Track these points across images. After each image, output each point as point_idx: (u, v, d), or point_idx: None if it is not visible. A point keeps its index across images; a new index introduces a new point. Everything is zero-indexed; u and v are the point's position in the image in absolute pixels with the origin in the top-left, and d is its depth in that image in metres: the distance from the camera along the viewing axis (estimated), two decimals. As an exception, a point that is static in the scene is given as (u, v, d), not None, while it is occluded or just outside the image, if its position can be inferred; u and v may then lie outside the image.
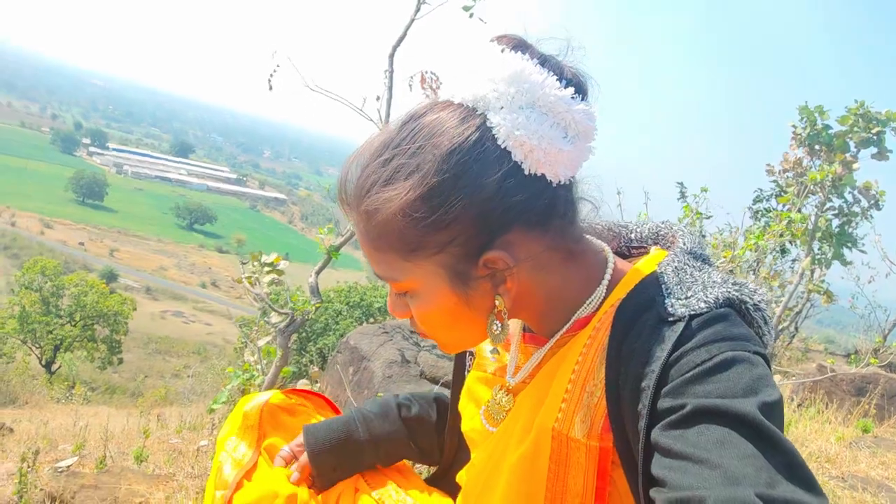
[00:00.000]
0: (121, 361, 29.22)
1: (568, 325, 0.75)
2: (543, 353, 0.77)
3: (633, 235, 0.85)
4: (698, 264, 0.72)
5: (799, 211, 6.20)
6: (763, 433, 0.53)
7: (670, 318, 0.64)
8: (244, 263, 2.61)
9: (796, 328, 8.23)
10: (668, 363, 0.61)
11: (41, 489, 2.24)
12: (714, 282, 0.68)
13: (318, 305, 2.41)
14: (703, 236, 8.05)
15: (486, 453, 0.80)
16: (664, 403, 0.60)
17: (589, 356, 0.70)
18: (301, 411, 1.04)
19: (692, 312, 0.64)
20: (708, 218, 7.90)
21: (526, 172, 0.65)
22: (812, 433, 3.07)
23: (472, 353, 0.97)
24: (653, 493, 0.57)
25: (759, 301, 0.67)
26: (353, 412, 1.01)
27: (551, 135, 0.65)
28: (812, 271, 6.38)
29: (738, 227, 7.13)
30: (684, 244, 0.76)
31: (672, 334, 0.63)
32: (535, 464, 0.70)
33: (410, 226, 0.65)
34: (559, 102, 0.66)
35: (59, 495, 2.11)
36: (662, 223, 0.84)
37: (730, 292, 0.66)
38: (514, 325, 0.84)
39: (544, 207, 0.68)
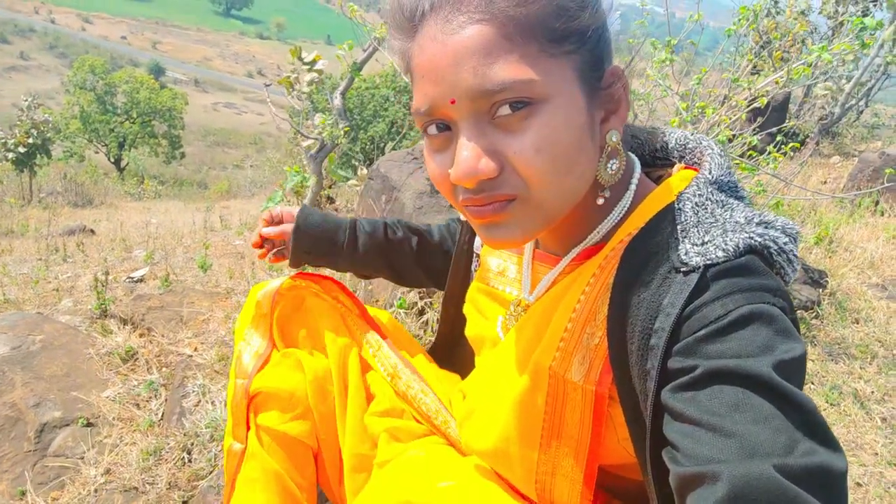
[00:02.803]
0: (183, 155, 30.40)
1: (577, 250, 0.70)
2: (554, 276, 0.73)
3: (658, 145, 0.75)
4: (722, 198, 0.64)
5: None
6: (779, 392, 0.50)
7: (683, 269, 0.58)
8: (267, 86, 2.52)
9: (866, 103, 7.67)
10: (679, 319, 0.57)
11: (116, 306, 2.49)
12: (737, 223, 0.60)
13: (346, 129, 2.35)
14: (777, 2, 7.22)
15: (489, 373, 0.79)
16: (675, 363, 0.56)
17: (592, 295, 0.66)
18: (311, 294, 1.06)
19: (707, 262, 0.58)
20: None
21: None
22: (864, 237, 2.99)
23: (477, 255, 0.94)
24: (666, 457, 0.56)
25: (784, 244, 0.59)
26: (349, 220, 1.10)
27: None
28: (894, 41, 5.73)
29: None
30: (710, 172, 0.66)
31: (685, 287, 0.57)
32: (533, 399, 0.70)
33: (562, 10, 0.57)
34: None
35: (131, 317, 2.33)
36: (692, 135, 0.73)
37: (752, 238, 0.59)
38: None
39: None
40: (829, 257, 2.66)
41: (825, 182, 5.17)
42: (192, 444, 1.66)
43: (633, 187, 0.68)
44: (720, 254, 0.58)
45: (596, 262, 0.67)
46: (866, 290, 2.40)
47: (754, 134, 2.04)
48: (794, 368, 0.53)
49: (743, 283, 0.56)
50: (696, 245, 0.59)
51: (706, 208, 0.62)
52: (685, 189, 0.65)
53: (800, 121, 6.96)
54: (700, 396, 0.53)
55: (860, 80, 6.75)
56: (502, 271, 0.83)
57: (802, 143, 6.39)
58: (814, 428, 0.50)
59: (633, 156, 0.71)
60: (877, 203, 4.07)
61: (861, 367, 2.03)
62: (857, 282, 2.47)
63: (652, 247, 0.62)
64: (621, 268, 0.63)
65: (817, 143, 6.68)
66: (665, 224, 0.63)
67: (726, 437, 0.50)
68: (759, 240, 0.59)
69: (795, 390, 0.51)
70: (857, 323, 2.22)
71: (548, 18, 0.56)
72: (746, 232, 0.59)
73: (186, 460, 1.63)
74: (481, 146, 0.58)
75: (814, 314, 2.21)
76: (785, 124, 2.53)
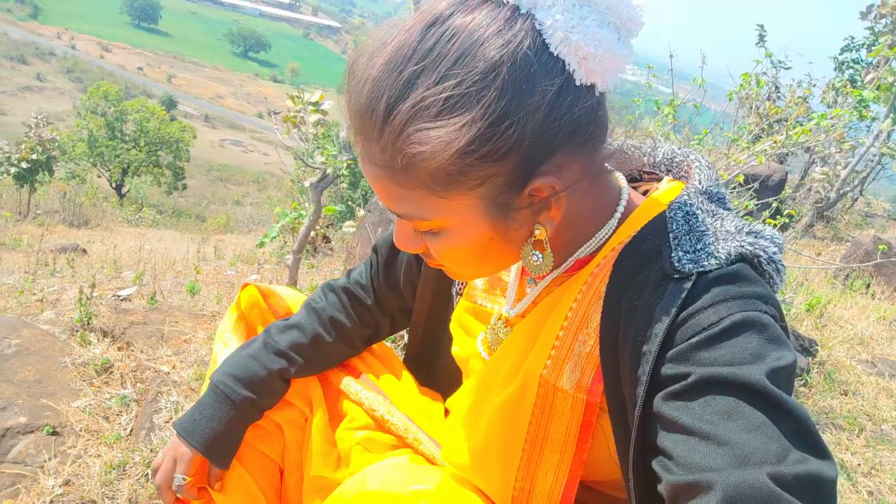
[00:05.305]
0: (185, 187, 30.54)
1: (568, 263, 0.69)
2: (540, 290, 0.72)
3: (646, 159, 0.76)
4: (712, 207, 0.64)
5: (887, 63, 5.61)
6: (771, 400, 0.50)
7: (676, 276, 0.58)
8: (277, 114, 2.56)
9: (861, 192, 7.84)
10: (673, 325, 0.57)
11: (98, 320, 2.44)
12: (727, 232, 0.61)
13: (349, 163, 2.38)
14: (777, 88, 7.45)
15: (475, 384, 0.77)
16: (668, 370, 0.56)
17: (584, 303, 0.65)
18: (276, 301, 1.02)
19: (700, 269, 0.58)
20: (787, 69, 7.25)
21: (577, 83, 0.55)
22: (854, 315, 3.00)
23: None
24: (657, 466, 0.55)
25: (773, 253, 0.60)
26: (234, 397, 0.89)
27: (608, 38, 0.55)
28: (889, 133, 5.90)
29: (816, 79, 6.54)
30: (699, 182, 0.67)
31: (678, 294, 0.57)
32: (518, 408, 0.68)
33: (455, 161, 0.54)
34: None
35: (111, 330, 2.29)
36: (679, 150, 0.74)
37: (743, 247, 0.59)
38: None
39: (592, 122, 0.58)
40: (820, 329, 2.66)
41: (819, 254, 5.22)
42: (159, 460, 1.60)
43: (623, 201, 0.68)
44: (713, 261, 0.58)
45: (588, 270, 0.67)
46: (855, 364, 2.38)
47: (750, 200, 2.08)
48: (785, 376, 0.53)
49: (735, 291, 0.56)
50: (689, 252, 0.59)
51: (697, 217, 0.63)
52: (676, 198, 0.65)
53: (795, 202, 7.09)
54: (693, 405, 0.53)
55: (855, 167, 6.91)
56: (490, 288, 0.82)
57: (797, 221, 6.49)
58: (805, 436, 0.50)
59: (618, 173, 0.71)
60: (868, 286, 4.11)
61: (848, 439, 1.99)
62: (846, 356, 2.46)
63: (644, 254, 0.62)
64: (614, 275, 0.63)
65: (811, 226, 6.78)
66: (657, 232, 0.63)
67: (719, 446, 0.50)
68: (750, 248, 0.59)
69: (787, 398, 0.51)
70: (846, 395, 2.20)
71: (439, 171, 0.55)
72: (737, 240, 0.60)
73: (150, 477, 1.56)
74: (409, 238, 0.67)
75: (802, 382, 2.19)
76: (779, 196, 2.58)
